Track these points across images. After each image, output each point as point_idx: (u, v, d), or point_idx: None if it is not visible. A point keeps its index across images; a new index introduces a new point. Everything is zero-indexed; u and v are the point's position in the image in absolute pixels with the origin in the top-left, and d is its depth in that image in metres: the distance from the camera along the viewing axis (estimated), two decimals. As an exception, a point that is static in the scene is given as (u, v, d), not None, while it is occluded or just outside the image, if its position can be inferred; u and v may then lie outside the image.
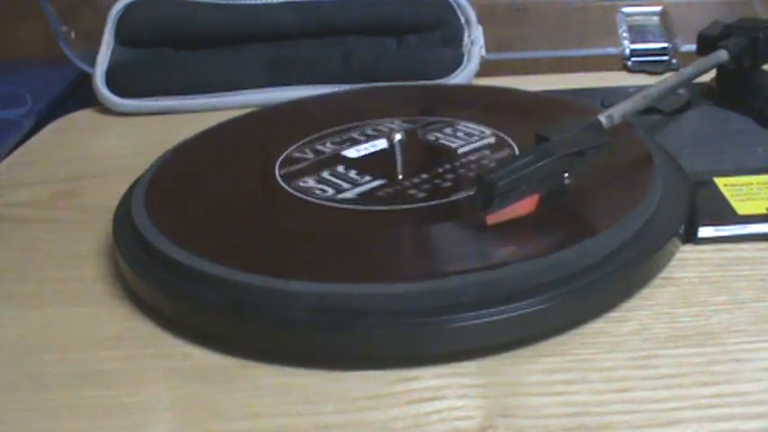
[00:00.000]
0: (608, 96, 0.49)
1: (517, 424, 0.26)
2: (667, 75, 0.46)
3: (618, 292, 0.31)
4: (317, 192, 0.36)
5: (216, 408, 0.27)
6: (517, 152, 0.39)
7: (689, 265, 0.34)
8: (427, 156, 0.40)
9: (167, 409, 0.27)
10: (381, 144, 0.41)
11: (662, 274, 0.33)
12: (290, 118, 0.48)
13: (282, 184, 0.38)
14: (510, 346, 0.29)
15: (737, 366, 0.28)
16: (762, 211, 0.36)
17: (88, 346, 0.31)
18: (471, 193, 0.34)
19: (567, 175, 0.33)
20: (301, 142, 0.42)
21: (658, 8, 0.62)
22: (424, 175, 0.37)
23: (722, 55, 0.46)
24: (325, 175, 0.38)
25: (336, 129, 0.44)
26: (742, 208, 0.36)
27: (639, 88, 0.43)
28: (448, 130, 0.43)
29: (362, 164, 0.39)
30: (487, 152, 0.40)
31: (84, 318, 0.33)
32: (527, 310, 0.28)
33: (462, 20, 0.60)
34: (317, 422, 0.26)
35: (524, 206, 0.32)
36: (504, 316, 0.28)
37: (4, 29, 0.73)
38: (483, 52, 0.58)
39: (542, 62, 0.64)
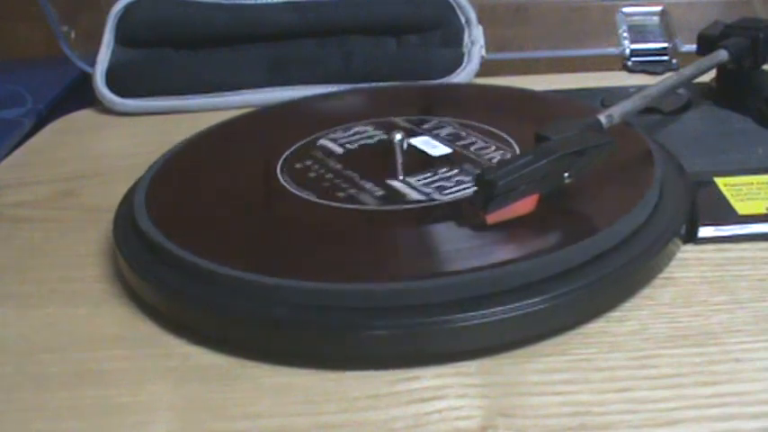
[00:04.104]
0: (608, 96, 0.49)
1: (517, 424, 0.26)
2: (667, 75, 0.46)
3: (618, 291, 0.31)
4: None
5: (216, 408, 0.27)
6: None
7: (689, 265, 0.34)
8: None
9: (167, 409, 0.27)
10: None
11: (662, 274, 0.33)
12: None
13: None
14: (510, 346, 0.29)
15: (737, 366, 0.28)
16: (762, 211, 0.36)
17: (88, 346, 0.31)
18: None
19: (567, 174, 0.33)
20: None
21: (658, 8, 0.62)
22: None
23: (722, 55, 0.46)
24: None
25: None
26: (742, 208, 0.36)
27: (639, 88, 0.43)
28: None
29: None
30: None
31: (84, 318, 0.33)
32: (527, 310, 0.28)
33: (462, 20, 0.60)
34: (316, 422, 0.26)
35: (524, 205, 0.32)
36: (505, 316, 0.28)
37: (4, 29, 0.73)
38: (483, 52, 0.58)
39: (542, 62, 0.64)
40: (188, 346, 0.30)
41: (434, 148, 0.40)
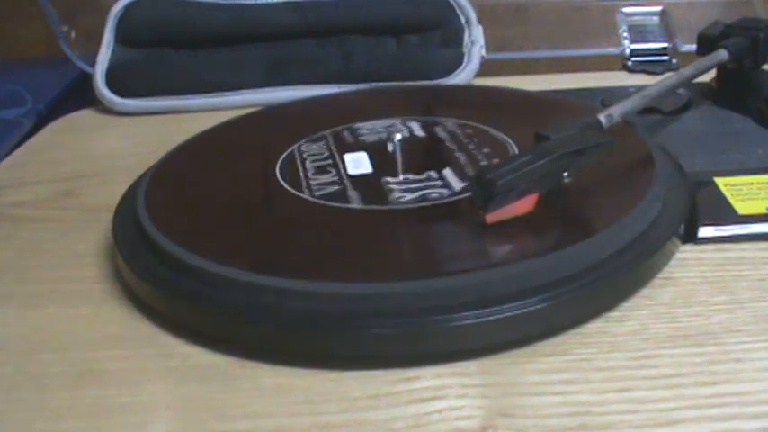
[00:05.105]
0: (608, 96, 0.49)
1: (518, 423, 0.26)
2: (667, 75, 0.46)
3: (618, 291, 0.31)
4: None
5: (216, 408, 0.27)
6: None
7: (689, 265, 0.33)
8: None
9: (167, 409, 0.27)
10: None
11: (662, 274, 0.33)
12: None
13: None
14: (510, 346, 0.29)
15: (737, 366, 0.28)
16: (762, 211, 0.36)
17: (88, 346, 0.31)
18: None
19: (566, 174, 0.33)
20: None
21: (658, 8, 0.62)
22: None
23: (722, 55, 0.46)
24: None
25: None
26: (742, 208, 0.36)
27: (639, 88, 0.43)
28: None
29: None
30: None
31: (84, 318, 0.33)
32: (527, 310, 0.28)
33: (462, 20, 0.60)
34: (317, 422, 0.26)
35: (524, 205, 0.32)
36: (504, 316, 0.28)
37: (4, 29, 0.73)
38: (483, 52, 0.58)
39: (542, 62, 0.64)
40: (188, 346, 0.30)
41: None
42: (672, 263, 0.33)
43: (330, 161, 0.40)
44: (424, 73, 0.57)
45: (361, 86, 0.55)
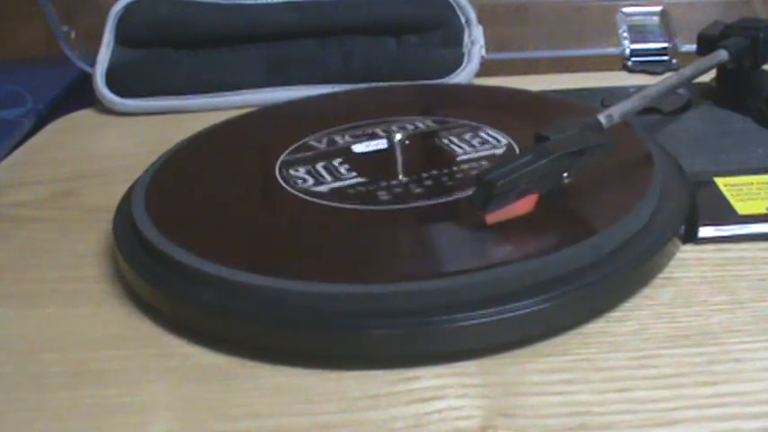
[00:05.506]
0: (608, 96, 0.49)
1: (518, 423, 0.26)
2: (667, 75, 0.46)
3: (618, 292, 0.31)
4: (317, 192, 0.36)
5: (216, 408, 0.27)
6: (517, 152, 0.39)
7: (689, 265, 0.34)
8: (427, 155, 0.40)
9: (167, 408, 0.27)
10: (382, 144, 0.41)
11: (662, 274, 0.33)
12: (290, 118, 0.48)
13: (282, 183, 0.38)
14: (510, 346, 0.29)
15: (737, 366, 0.28)
16: (762, 211, 0.36)
17: (88, 346, 0.31)
18: (471, 192, 0.34)
19: (566, 174, 0.33)
20: (301, 142, 0.42)
21: (658, 8, 0.62)
22: (425, 175, 0.37)
23: (722, 55, 0.46)
24: (325, 175, 0.38)
25: (336, 129, 0.44)
26: (742, 208, 0.36)
27: (639, 88, 0.43)
28: (448, 130, 0.43)
29: (363, 164, 0.39)
30: (487, 152, 0.40)
31: (84, 318, 0.33)
32: (527, 310, 0.28)
33: (462, 20, 0.60)
34: (316, 422, 0.26)
35: (523, 205, 0.32)
36: (504, 316, 0.28)
37: (4, 29, 0.73)
38: (483, 52, 0.58)
39: (542, 62, 0.64)
40: (188, 346, 0.30)
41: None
42: (672, 263, 0.33)
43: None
44: (424, 73, 0.57)
45: (361, 86, 0.55)
